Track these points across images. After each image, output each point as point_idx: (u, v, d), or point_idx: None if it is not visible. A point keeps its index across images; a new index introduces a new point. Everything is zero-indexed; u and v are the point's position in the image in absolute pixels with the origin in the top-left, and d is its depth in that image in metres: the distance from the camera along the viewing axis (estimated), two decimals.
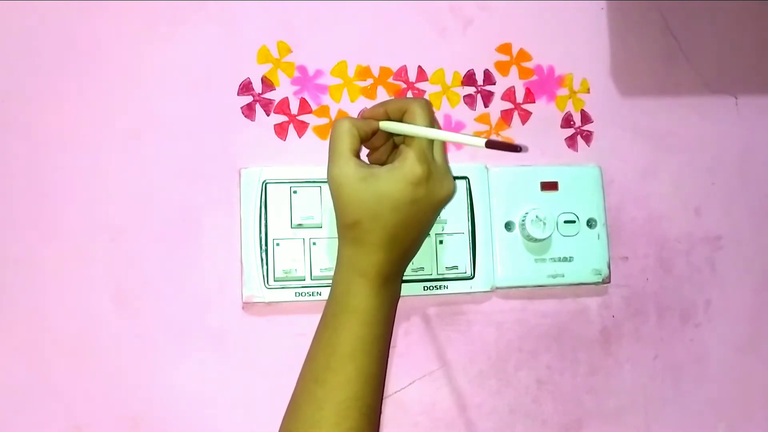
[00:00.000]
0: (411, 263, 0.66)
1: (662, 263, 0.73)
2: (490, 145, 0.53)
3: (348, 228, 0.56)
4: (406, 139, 0.58)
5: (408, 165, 0.55)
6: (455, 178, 0.68)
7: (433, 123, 0.58)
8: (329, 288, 0.66)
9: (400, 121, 0.59)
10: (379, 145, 0.61)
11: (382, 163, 0.62)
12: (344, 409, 0.53)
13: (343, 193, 0.55)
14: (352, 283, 0.55)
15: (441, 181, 0.56)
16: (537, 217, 0.67)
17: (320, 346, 0.56)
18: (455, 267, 0.67)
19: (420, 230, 0.57)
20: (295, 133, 0.69)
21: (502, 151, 0.53)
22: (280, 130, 0.68)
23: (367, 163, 0.57)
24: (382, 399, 0.55)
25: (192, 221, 0.66)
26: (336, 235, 0.66)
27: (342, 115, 0.69)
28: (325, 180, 0.66)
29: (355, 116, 0.68)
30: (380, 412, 0.55)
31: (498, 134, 0.71)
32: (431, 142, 0.57)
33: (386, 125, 0.60)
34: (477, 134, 0.71)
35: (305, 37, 0.70)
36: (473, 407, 0.68)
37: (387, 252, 0.55)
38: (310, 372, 0.56)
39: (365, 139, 0.59)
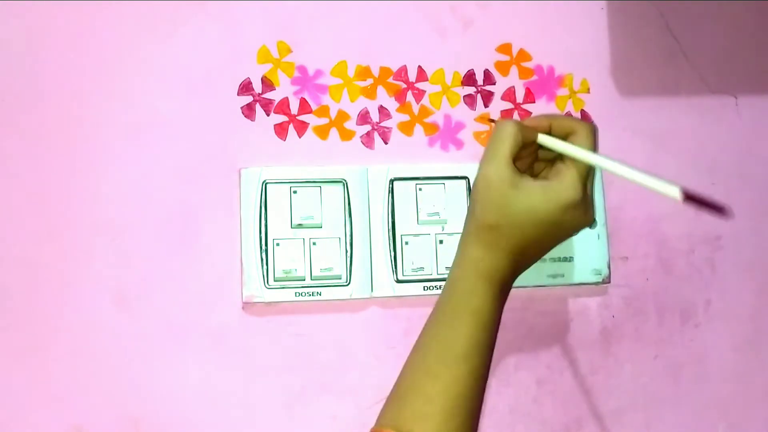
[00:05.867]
0: (412, 263, 0.67)
1: (662, 263, 0.73)
2: (689, 199, 0.49)
3: (485, 229, 0.54)
4: (565, 159, 0.55)
5: (565, 187, 0.53)
6: (455, 178, 0.69)
7: (596, 151, 0.56)
8: (335, 287, 0.66)
9: (563, 139, 0.56)
10: (524, 155, 0.58)
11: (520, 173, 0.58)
12: (454, 407, 0.52)
13: (493, 195, 0.54)
14: (476, 285, 0.54)
15: (587, 211, 0.55)
16: None
17: (435, 340, 0.55)
18: None
19: (548, 248, 0.56)
20: (295, 133, 0.69)
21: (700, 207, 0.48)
22: (280, 130, 0.68)
23: (520, 172, 0.55)
24: (483, 401, 0.55)
25: (192, 221, 0.66)
26: (334, 235, 0.66)
27: (342, 115, 0.69)
28: (326, 180, 0.67)
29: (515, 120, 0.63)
30: (480, 413, 0.55)
31: None
32: (589, 170, 0.55)
33: (546, 140, 0.56)
34: (482, 118, 0.71)
35: (305, 37, 0.70)
36: None
37: (514, 261, 0.54)
38: (422, 365, 0.55)
39: (524, 147, 0.56)
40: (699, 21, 0.75)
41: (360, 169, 0.68)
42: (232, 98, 0.68)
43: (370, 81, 0.70)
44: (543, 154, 0.58)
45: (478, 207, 0.55)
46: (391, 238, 0.67)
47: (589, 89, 0.73)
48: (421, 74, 0.71)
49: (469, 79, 0.72)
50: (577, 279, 0.70)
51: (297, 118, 0.69)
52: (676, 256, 0.73)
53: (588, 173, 0.55)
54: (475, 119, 0.71)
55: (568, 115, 0.72)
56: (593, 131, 0.56)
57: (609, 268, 0.70)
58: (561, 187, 0.53)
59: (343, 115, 0.69)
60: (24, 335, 0.63)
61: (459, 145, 0.71)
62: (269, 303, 0.65)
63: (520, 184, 0.54)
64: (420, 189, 0.68)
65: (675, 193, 0.48)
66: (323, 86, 0.69)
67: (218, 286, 0.66)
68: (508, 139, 0.54)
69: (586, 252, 0.70)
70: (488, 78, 0.72)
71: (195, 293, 0.65)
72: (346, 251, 0.66)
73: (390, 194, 0.68)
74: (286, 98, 0.69)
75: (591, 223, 0.56)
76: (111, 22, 0.67)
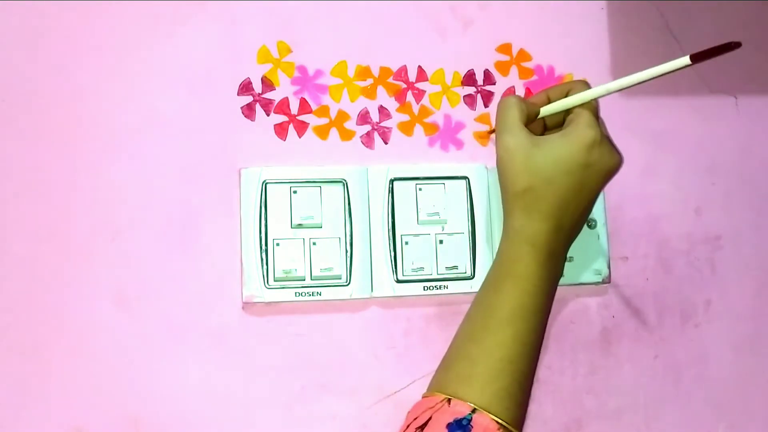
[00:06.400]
0: (412, 263, 0.66)
1: (662, 263, 0.73)
2: (697, 58, 0.51)
3: (519, 196, 0.55)
4: (573, 109, 0.58)
5: (581, 128, 0.55)
6: (455, 178, 0.69)
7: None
8: (335, 287, 0.66)
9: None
10: (537, 133, 0.60)
11: None
12: (497, 370, 0.52)
13: (517, 160, 0.55)
14: (520, 251, 0.55)
15: (610, 149, 0.56)
16: None
17: (479, 307, 0.56)
18: (455, 267, 0.67)
19: (588, 200, 0.57)
20: (295, 133, 0.69)
21: (718, 56, 0.50)
22: (280, 130, 0.68)
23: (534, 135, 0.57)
24: (535, 370, 0.55)
25: (192, 221, 0.66)
26: (334, 235, 0.66)
27: (342, 115, 0.69)
28: (326, 180, 0.67)
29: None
30: (532, 382, 0.54)
31: None
32: (597, 114, 0.57)
33: (550, 107, 0.59)
34: (478, 134, 0.71)
35: (305, 37, 0.70)
36: None
37: (556, 221, 0.55)
38: (466, 331, 0.56)
39: (528, 120, 0.58)
40: (699, 21, 0.75)
41: (360, 169, 0.68)
42: (232, 98, 0.68)
43: (370, 81, 0.70)
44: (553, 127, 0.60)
45: (507, 177, 0.56)
46: (391, 238, 0.67)
47: None
48: (421, 74, 0.71)
49: (469, 79, 0.72)
50: (577, 279, 0.70)
51: (297, 118, 0.69)
52: (676, 256, 0.73)
53: (597, 115, 0.57)
54: (475, 129, 0.71)
55: None
56: (587, 83, 0.58)
57: (609, 268, 0.70)
58: (579, 129, 0.55)
59: (343, 115, 0.69)
60: (24, 335, 0.63)
61: (459, 145, 0.71)
62: (269, 303, 0.65)
63: (539, 142, 0.55)
64: (420, 189, 0.68)
65: (686, 61, 0.51)
66: (323, 86, 0.69)
67: (218, 286, 0.66)
68: (513, 107, 0.56)
69: (586, 252, 0.70)
70: (488, 78, 0.72)
71: (195, 293, 0.65)
72: (346, 251, 0.66)
73: (390, 194, 0.68)
74: (286, 98, 0.69)
75: (620, 162, 0.57)
76: (111, 22, 0.67)
